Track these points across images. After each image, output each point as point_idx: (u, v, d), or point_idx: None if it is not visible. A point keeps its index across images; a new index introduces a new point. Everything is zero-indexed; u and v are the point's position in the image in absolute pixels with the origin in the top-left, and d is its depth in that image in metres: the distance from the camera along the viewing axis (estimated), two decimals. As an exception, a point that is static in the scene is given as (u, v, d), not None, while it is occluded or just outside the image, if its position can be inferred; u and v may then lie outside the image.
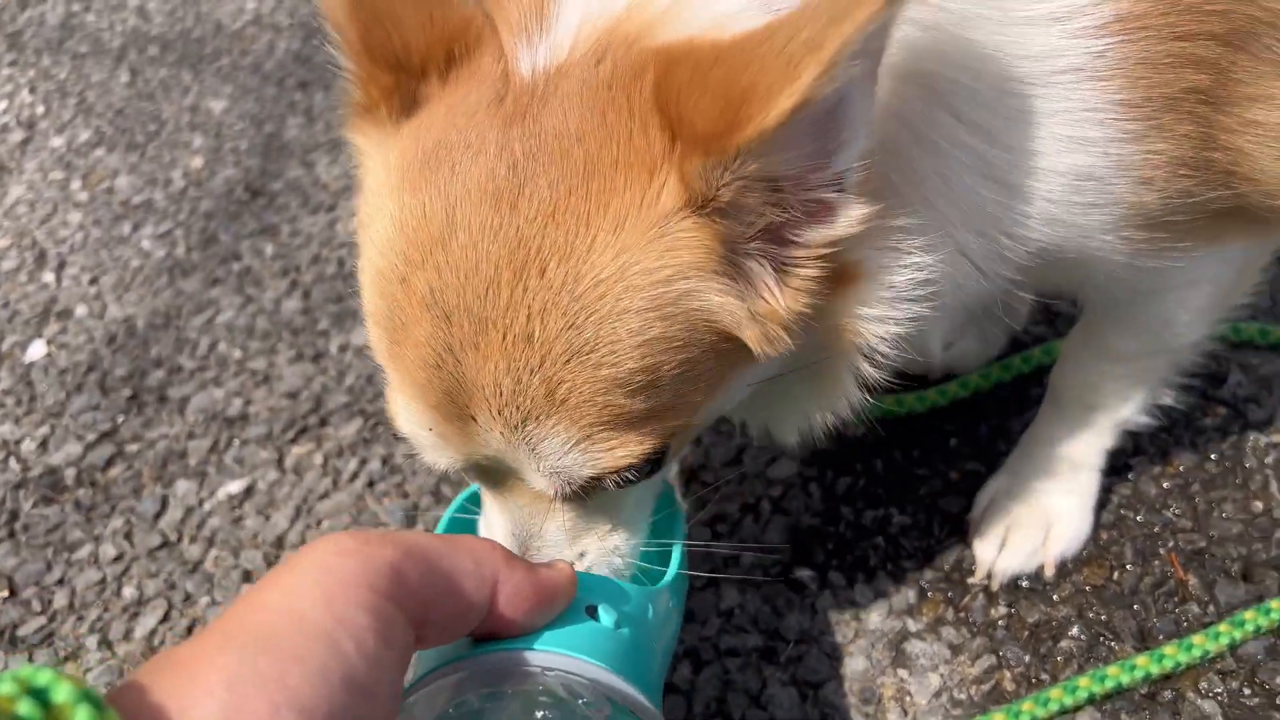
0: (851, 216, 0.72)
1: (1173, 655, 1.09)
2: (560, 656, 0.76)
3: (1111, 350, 1.09)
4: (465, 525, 0.98)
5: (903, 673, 1.16)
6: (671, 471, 1.37)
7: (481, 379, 0.74)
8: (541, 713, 0.76)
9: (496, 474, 0.84)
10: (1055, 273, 0.91)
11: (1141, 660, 1.09)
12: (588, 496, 0.83)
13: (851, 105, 0.67)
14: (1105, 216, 0.83)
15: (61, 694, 0.48)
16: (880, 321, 0.79)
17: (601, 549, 0.89)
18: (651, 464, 0.80)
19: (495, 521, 0.89)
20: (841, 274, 0.76)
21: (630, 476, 0.79)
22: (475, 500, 0.98)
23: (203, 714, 0.52)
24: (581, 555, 0.88)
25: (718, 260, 0.72)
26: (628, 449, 0.76)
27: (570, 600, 0.78)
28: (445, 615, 0.68)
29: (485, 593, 0.70)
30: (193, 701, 0.53)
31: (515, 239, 0.71)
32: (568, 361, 0.72)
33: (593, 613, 0.81)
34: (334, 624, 0.58)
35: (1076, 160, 0.80)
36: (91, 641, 1.31)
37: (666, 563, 0.95)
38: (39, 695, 0.48)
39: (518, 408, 0.74)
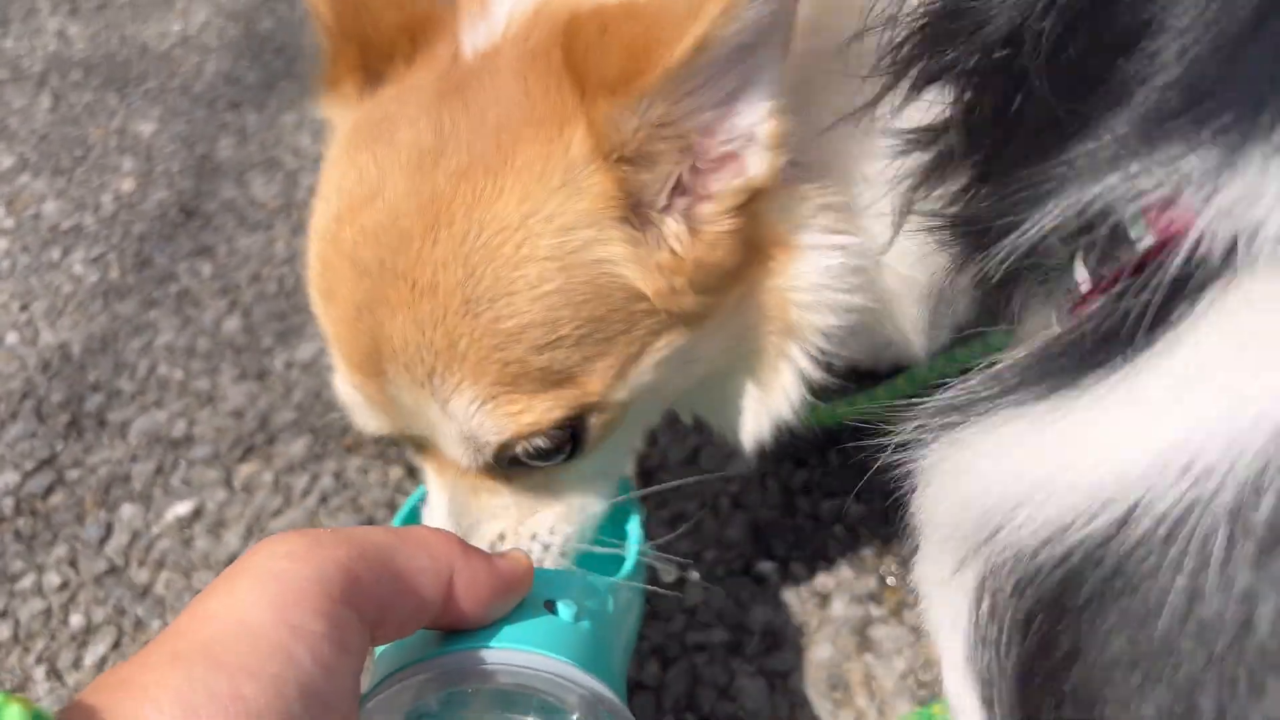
0: (761, 167, 0.74)
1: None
2: (520, 653, 0.75)
3: None
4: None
5: (868, 658, 1.17)
6: (627, 467, 1.38)
7: (391, 333, 0.75)
8: (501, 711, 0.75)
9: (427, 445, 0.84)
10: None
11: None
12: (510, 471, 0.83)
13: (759, 56, 0.69)
14: None
15: (11, 715, 0.46)
16: (814, 308, 0.80)
17: (517, 536, 0.88)
18: (570, 441, 0.80)
19: (433, 498, 0.89)
20: (765, 244, 0.77)
21: (541, 445, 0.79)
22: None
23: None
24: (501, 538, 0.87)
25: (622, 208, 0.73)
26: (534, 414, 0.77)
27: (527, 590, 0.77)
28: (401, 613, 0.67)
29: (441, 587, 0.69)
30: None
31: (430, 196, 0.73)
32: (466, 313, 0.73)
33: (551, 607, 0.80)
34: (287, 634, 0.57)
35: None
36: (39, 672, 1.27)
37: (623, 558, 0.95)
38: None
39: (422, 361, 0.75)
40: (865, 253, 0.80)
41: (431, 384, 0.76)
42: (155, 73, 2.42)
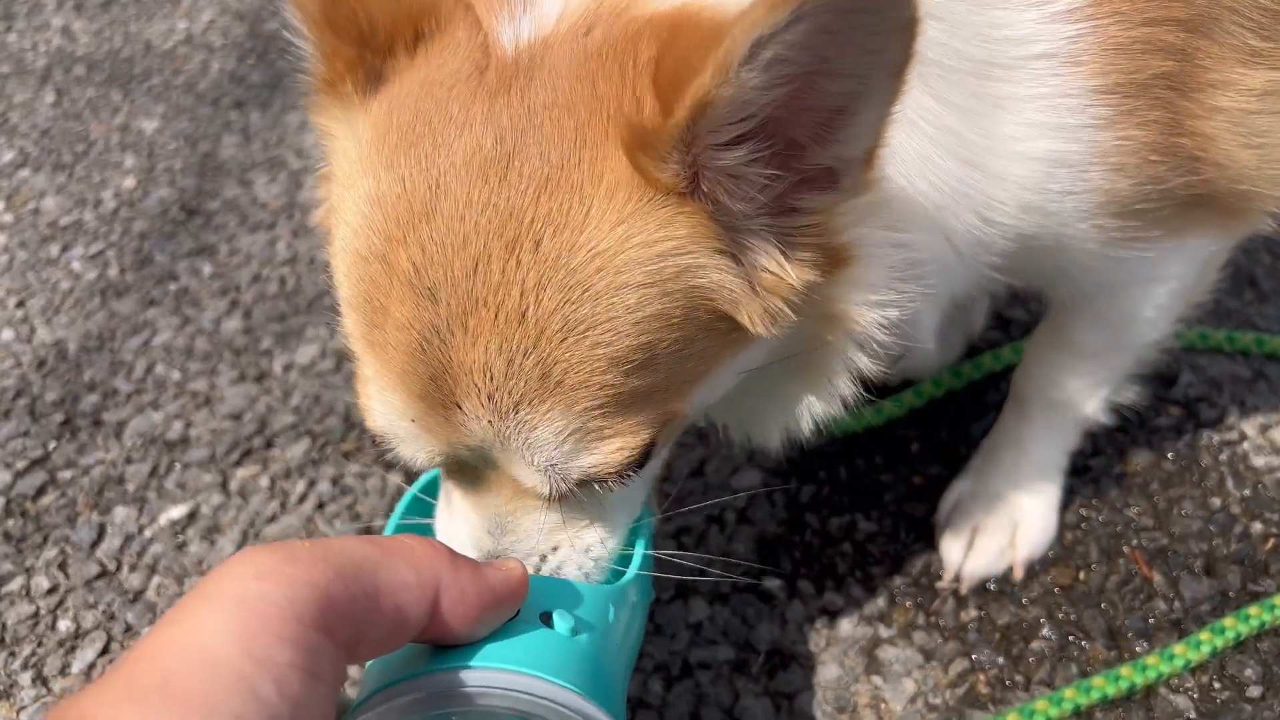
0: (858, 180, 0.70)
1: (1155, 665, 1.09)
2: (508, 674, 0.71)
3: (1076, 347, 1.09)
4: (424, 506, 0.93)
5: (876, 679, 1.14)
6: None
7: (470, 361, 0.70)
8: None
9: (473, 467, 0.79)
10: (1032, 262, 0.91)
11: (1126, 671, 1.09)
12: (575, 494, 0.79)
13: (844, 68, 0.62)
14: (1080, 203, 0.84)
15: None
16: (878, 306, 0.77)
17: (573, 549, 0.85)
18: (642, 457, 0.77)
19: (466, 517, 0.84)
20: (837, 255, 0.74)
21: (630, 474, 0.76)
22: (429, 488, 0.94)
23: None
24: (554, 550, 0.84)
25: (716, 234, 0.70)
26: (623, 439, 0.74)
27: (520, 603, 0.73)
28: (379, 633, 0.63)
29: (426, 604, 0.65)
30: None
31: (506, 211, 0.68)
32: (564, 340, 0.69)
33: (548, 619, 0.76)
34: (252, 667, 0.53)
35: (1051, 146, 0.80)
36: (25, 678, 1.24)
37: (629, 561, 0.90)
38: None
39: (509, 392, 0.70)
40: (924, 245, 0.78)
41: (518, 414, 0.71)
42: (159, 70, 2.39)
